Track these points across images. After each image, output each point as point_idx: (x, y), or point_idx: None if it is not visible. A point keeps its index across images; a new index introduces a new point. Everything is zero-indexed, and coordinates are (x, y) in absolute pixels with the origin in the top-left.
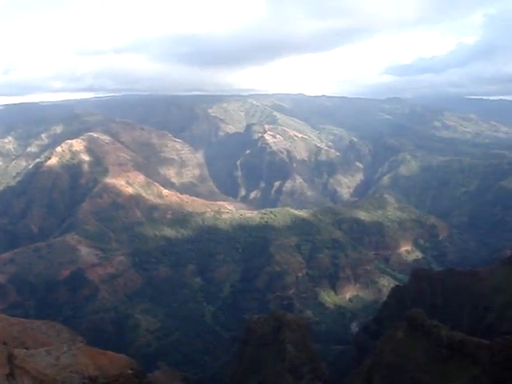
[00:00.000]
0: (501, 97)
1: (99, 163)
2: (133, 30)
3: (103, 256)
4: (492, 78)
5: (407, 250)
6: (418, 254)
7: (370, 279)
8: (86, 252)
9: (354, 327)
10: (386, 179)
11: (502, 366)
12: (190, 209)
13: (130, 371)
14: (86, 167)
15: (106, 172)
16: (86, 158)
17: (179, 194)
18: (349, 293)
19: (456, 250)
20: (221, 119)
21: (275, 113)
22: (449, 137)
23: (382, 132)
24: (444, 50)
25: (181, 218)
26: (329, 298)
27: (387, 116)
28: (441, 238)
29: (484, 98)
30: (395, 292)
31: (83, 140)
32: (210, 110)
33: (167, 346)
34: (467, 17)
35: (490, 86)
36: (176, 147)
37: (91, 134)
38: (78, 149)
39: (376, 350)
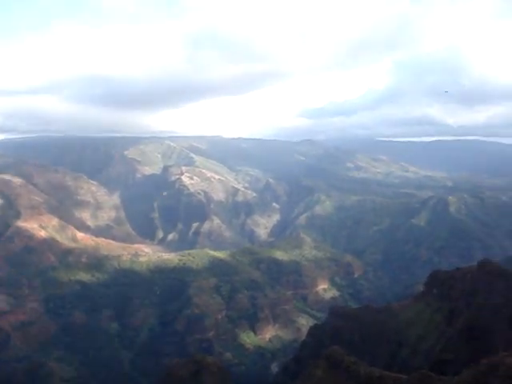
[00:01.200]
0: (409, 139)
1: (11, 206)
2: (47, 70)
3: (15, 303)
4: (400, 120)
5: (324, 289)
6: (334, 292)
7: (289, 319)
8: None
9: (274, 367)
10: (302, 219)
11: None
12: (106, 252)
13: None
14: None
15: (17, 215)
16: None
17: (94, 237)
18: (268, 333)
19: (371, 286)
20: (137, 161)
21: (192, 154)
22: (361, 177)
23: (298, 173)
24: (355, 94)
25: (96, 262)
26: (248, 339)
27: (302, 157)
28: (356, 275)
29: (393, 139)
30: (313, 330)
31: None
32: (126, 152)
33: None
34: (377, 62)
35: (398, 128)
36: (91, 189)
37: (2, 176)
38: None
39: None
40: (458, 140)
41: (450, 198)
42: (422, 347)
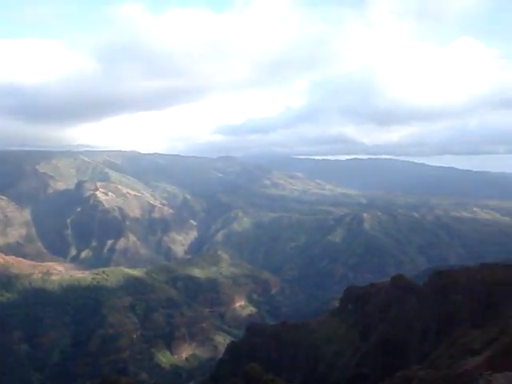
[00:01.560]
0: (325, 157)
1: None
2: None
3: None
4: (317, 139)
5: (241, 305)
6: (252, 309)
7: (206, 337)
8: None
9: None
10: (219, 236)
11: None
12: (16, 271)
13: None
14: None
15: None
16: None
17: (4, 255)
18: (185, 352)
19: (288, 303)
20: (50, 176)
21: (107, 170)
22: (278, 194)
23: (215, 190)
24: (273, 112)
25: (6, 281)
26: (165, 358)
27: (219, 174)
28: (273, 292)
29: (310, 157)
30: (231, 348)
31: None
32: (37, 166)
33: None
34: (294, 81)
35: (315, 146)
36: (0, 205)
37: None
38: None
39: None
40: (373, 158)
41: (365, 214)
42: (339, 362)
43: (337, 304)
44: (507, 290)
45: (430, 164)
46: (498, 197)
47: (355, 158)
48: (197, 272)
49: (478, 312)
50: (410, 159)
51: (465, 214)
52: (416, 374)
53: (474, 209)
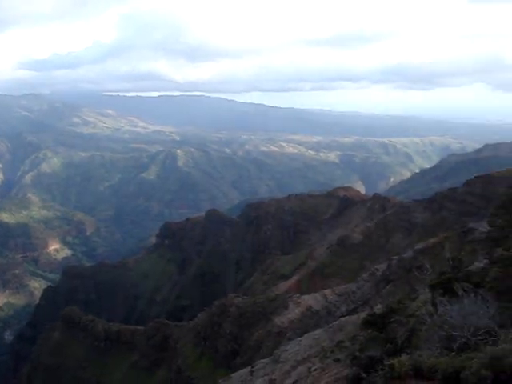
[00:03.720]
0: (137, 93)
1: None
2: None
3: None
4: (128, 75)
5: (56, 249)
6: (67, 252)
7: (21, 283)
8: None
9: (9, 336)
10: (28, 178)
11: (160, 348)
12: None
13: None
14: None
15: None
16: None
17: None
18: None
19: (105, 243)
20: None
21: None
22: (89, 132)
23: (21, 129)
24: (80, 46)
25: None
26: None
27: (25, 112)
28: (89, 233)
29: (121, 94)
30: (47, 293)
31: None
32: None
33: None
34: (102, 15)
35: (126, 83)
36: None
37: None
38: None
39: (33, 354)
40: (185, 95)
41: (178, 151)
42: (158, 297)
43: (154, 241)
44: (312, 218)
45: (241, 101)
46: (303, 132)
47: (167, 95)
48: (5, 217)
49: (286, 240)
50: (222, 96)
51: (273, 149)
52: (233, 302)
53: (282, 144)
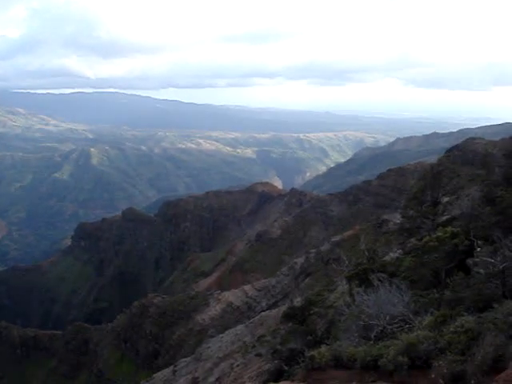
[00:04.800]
0: (48, 90)
1: None
2: None
3: None
4: (37, 71)
5: None
6: None
7: None
8: None
9: None
10: None
11: (80, 352)
12: None
13: None
14: None
15: None
16: None
17: None
18: None
19: (17, 247)
20: None
21: None
22: None
23: None
24: None
25: None
26: None
27: None
28: (0, 236)
29: (31, 91)
30: None
31: None
32: None
33: None
34: (10, 8)
35: (36, 79)
36: None
37: None
38: None
39: None
40: (98, 92)
41: (92, 149)
42: (75, 300)
43: (69, 243)
44: (231, 214)
45: (156, 97)
46: (220, 128)
47: (80, 92)
48: None
49: (206, 237)
50: (136, 92)
51: (190, 146)
52: (152, 301)
53: (199, 140)
